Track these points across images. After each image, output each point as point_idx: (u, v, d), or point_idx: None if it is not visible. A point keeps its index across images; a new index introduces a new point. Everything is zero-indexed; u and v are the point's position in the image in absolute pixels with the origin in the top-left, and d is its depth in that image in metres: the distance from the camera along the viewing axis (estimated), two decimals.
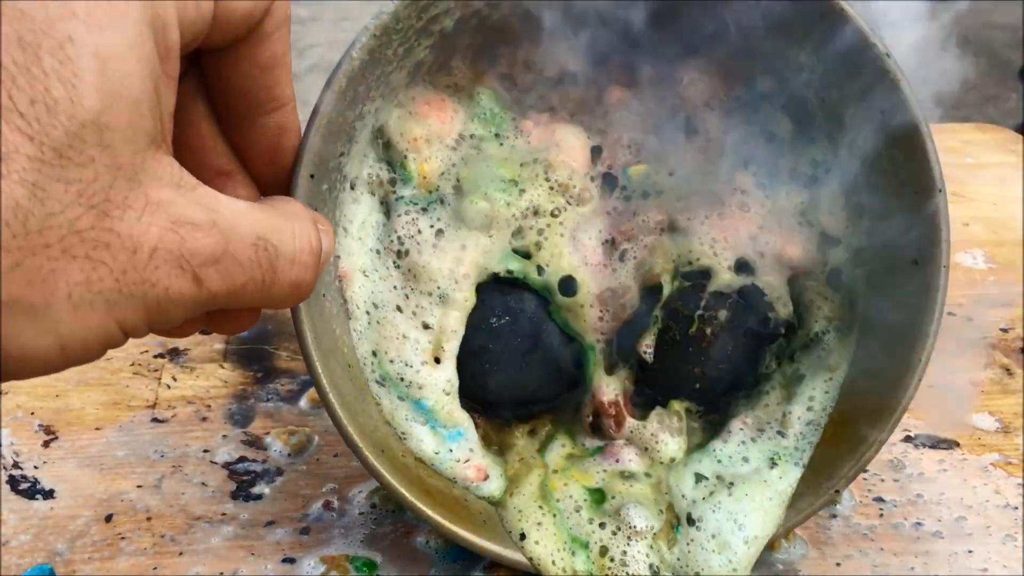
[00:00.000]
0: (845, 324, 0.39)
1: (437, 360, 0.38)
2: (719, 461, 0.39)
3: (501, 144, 0.38)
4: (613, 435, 0.40)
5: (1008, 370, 0.51)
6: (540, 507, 0.38)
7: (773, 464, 0.38)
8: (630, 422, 0.40)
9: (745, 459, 0.39)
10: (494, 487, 0.38)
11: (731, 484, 0.38)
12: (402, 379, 0.37)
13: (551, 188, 0.38)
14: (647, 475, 0.39)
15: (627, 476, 0.39)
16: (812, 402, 0.39)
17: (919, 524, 0.41)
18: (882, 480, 0.43)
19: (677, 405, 0.40)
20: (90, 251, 0.21)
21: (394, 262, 0.37)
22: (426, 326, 0.37)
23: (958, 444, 0.46)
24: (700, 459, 0.39)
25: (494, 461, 0.39)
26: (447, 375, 0.38)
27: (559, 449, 0.40)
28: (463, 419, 0.38)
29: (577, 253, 0.38)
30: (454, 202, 0.37)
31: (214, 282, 0.23)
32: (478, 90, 0.38)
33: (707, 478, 0.38)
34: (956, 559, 0.39)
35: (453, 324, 0.38)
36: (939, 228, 0.35)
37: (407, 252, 0.37)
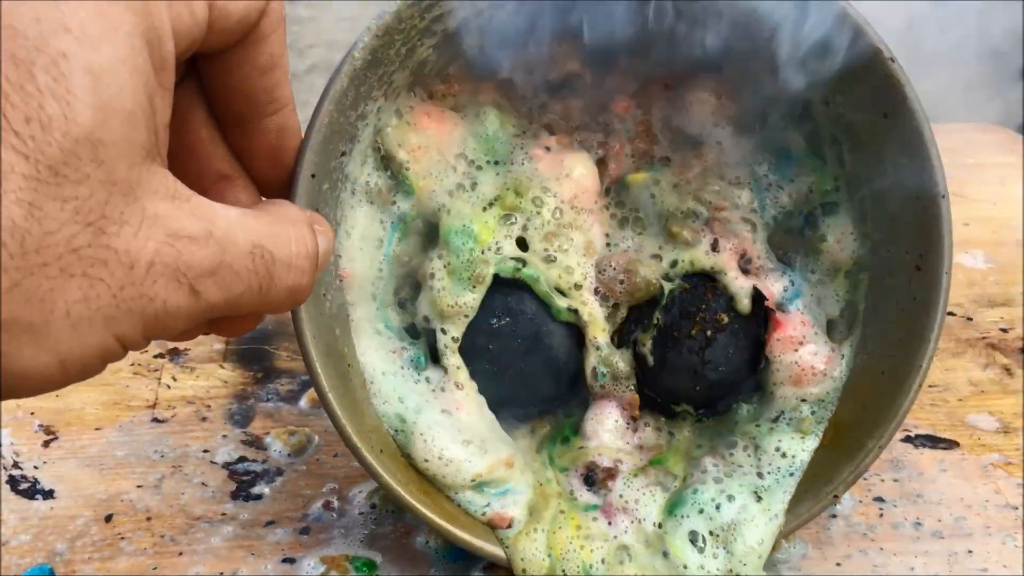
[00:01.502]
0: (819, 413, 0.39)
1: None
2: (702, 511, 0.37)
3: (497, 174, 0.38)
4: (607, 489, 0.39)
5: (1008, 370, 0.51)
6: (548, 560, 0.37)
7: (758, 498, 0.37)
8: (622, 479, 0.39)
9: (730, 497, 0.37)
10: (513, 532, 0.37)
11: (726, 545, 0.37)
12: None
13: (558, 212, 0.38)
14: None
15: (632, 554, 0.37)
16: (791, 459, 0.38)
17: (919, 524, 0.41)
18: (882, 480, 0.43)
19: (674, 463, 0.40)
20: (87, 268, 0.21)
21: (430, 391, 0.38)
22: (484, 450, 0.37)
23: (958, 444, 0.46)
24: (687, 513, 0.37)
25: (523, 504, 0.38)
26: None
27: (554, 473, 0.40)
28: (510, 476, 0.38)
29: (578, 265, 0.38)
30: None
31: (211, 293, 0.23)
32: (484, 109, 0.38)
33: (701, 535, 0.37)
34: (956, 559, 0.39)
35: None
36: (941, 234, 0.35)
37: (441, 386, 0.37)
